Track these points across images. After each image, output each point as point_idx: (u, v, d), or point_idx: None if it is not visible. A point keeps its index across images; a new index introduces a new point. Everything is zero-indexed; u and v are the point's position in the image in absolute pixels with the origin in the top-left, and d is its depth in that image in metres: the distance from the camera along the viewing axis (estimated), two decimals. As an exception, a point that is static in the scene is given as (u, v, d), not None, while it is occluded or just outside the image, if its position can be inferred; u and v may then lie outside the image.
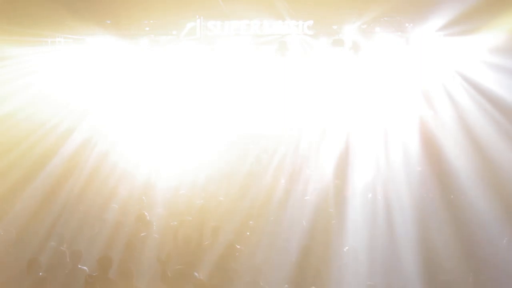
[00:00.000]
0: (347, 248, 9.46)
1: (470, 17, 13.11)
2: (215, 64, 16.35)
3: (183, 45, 15.86)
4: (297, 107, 16.64)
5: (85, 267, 8.76)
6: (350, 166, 14.18)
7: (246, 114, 16.67)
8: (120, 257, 9.01)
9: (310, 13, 14.86)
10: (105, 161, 14.21)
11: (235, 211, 11.18)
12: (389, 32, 14.99)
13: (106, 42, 15.88)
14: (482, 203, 11.45)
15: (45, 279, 8.20)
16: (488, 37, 13.62)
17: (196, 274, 8.39)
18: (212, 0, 14.53)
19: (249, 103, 16.68)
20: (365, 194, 12.71)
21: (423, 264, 9.43)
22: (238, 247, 9.30)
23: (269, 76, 16.51)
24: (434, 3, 13.71)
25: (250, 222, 10.88)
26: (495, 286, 8.79)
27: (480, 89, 14.42)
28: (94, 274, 8.38)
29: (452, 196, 12.53)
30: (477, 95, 14.52)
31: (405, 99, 15.58)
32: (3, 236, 9.93)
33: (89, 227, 10.57)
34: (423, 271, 9.16)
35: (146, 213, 10.65)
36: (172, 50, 16.03)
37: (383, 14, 14.84)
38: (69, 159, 14.29)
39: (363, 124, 15.77)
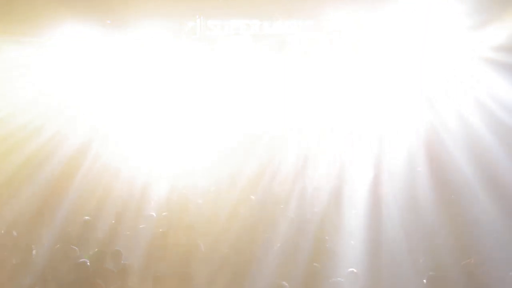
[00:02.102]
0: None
1: (471, 15, 13.08)
2: (215, 64, 16.31)
3: (183, 45, 15.81)
4: (298, 107, 16.61)
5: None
6: (350, 167, 14.19)
7: (246, 114, 16.64)
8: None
9: (310, 12, 14.83)
10: (105, 162, 14.25)
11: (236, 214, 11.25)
12: (389, 32, 14.95)
13: (105, 42, 15.83)
14: (483, 204, 11.47)
15: None
16: (491, 35, 13.58)
17: None
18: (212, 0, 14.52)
19: (249, 103, 16.65)
20: (365, 195, 12.73)
21: (422, 263, 9.47)
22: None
23: (269, 76, 16.47)
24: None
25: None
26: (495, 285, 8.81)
27: (482, 89, 14.40)
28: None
29: (452, 197, 12.55)
30: (478, 94, 14.50)
31: (405, 99, 15.56)
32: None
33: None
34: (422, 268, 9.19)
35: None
36: (172, 49, 15.98)
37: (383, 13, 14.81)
38: (68, 161, 14.32)
39: (363, 124, 15.76)
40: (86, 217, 10.87)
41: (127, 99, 16.39)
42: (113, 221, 10.86)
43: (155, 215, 11.28)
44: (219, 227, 11.17)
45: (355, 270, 8.75)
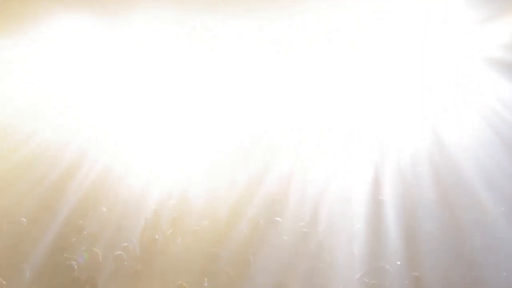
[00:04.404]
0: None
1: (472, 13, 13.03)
2: (215, 64, 16.30)
3: (183, 45, 15.79)
4: (298, 106, 16.60)
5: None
6: (350, 166, 14.21)
7: (246, 115, 16.64)
8: None
9: (310, 12, 14.78)
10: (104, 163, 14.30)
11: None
12: (386, 30, 14.89)
13: (104, 41, 15.79)
14: (483, 203, 11.47)
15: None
16: (493, 34, 13.54)
17: None
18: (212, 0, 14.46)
19: (249, 103, 16.65)
20: (365, 194, 12.74)
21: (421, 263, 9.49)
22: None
23: (269, 75, 16.46)
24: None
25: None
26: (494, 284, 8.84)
27: (482, 88, 14.36)
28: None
29: (453, 197, 12.53)
30: (478, 94, 14.47)
31: (405, 98, 15.53)
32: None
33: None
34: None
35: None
36: (171, 49, 15.96)
37: (382, 11, 14.74)
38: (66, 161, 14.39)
39: (364, 123, 15.75)
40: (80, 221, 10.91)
41: (125, 99, 16.41)
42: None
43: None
44: (220, 228, 11.24)
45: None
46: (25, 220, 10.94)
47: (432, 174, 13.31)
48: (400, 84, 15.47)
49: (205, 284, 8.93)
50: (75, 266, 8.62)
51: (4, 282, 8.36)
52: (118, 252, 9.55)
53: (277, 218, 11.30)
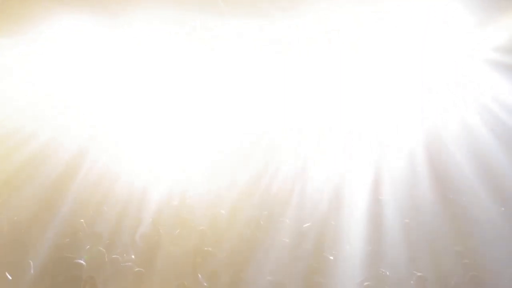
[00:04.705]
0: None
1: (473, 14, 13.03)
2: (215, 64, 16.30)
3: (183, 45, 15.78)
4: (298, 107, 16.61)
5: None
6: (349, 167, 14.21)
7: (246, 115, 16.65)
8: None
9: (310, 12, 14.78)
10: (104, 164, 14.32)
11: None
12: (386, 30, 14.90)
13: (103, 41, 15.79)
14: (482, 203, 11.49)
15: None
16: (492, 35, 13.54)
17: None
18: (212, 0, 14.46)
19: (249, 103, 16.65)
20: (365, 194, 12.76)
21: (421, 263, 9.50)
22: None
23: (269, 75, 16.47)
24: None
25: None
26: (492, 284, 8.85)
27: (482, 88, 14.37)
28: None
29: (451, 196, 12.57)
30: (478, 94, 14.48)
31: (405, 98, 15.54)
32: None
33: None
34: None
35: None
36: (171, 49, 15.96)
37: (382, 11, 14.74)
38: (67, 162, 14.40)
39: (364, 123, 15.76)
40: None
41: (125, 99, 16.41)
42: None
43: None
44: (221, 228, 11.26)
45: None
46: (25, 220, 10.98)
47: (432, 174, 13.33)
48: (400, 84, 15.48)
49: (205, 284, 8.93)
50: (83, 264, 8.65)
51: (10, 278, 8.44)
52: (115, 255, 9.53)
53: (279, 219, 11.32)
